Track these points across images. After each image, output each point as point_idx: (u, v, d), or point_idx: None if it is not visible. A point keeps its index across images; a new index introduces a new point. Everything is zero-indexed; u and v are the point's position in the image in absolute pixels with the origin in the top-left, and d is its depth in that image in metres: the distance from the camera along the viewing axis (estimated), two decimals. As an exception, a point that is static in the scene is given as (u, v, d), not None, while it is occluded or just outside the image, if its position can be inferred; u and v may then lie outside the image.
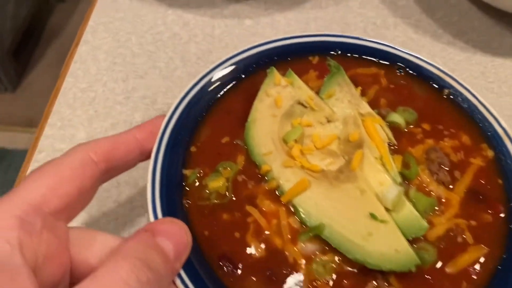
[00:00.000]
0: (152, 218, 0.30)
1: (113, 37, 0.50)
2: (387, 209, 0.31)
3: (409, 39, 0.52)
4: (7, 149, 1.61)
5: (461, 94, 0.38)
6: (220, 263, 0.30)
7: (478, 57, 0.51)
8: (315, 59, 0.40)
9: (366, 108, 0.36)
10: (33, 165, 0.41)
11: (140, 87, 0.47)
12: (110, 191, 0.40)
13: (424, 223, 0.31)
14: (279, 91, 0.35)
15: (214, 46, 0.50)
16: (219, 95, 0.37)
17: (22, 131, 1.65)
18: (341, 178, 0.32)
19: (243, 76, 0.38)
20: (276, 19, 0.53)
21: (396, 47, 0.40)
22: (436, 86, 0.38)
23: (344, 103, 0.36)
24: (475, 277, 0.30)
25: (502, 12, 0.53)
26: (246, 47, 0.39)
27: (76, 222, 0.37)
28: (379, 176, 0.32)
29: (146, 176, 0.32)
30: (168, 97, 0.46)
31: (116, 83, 0.47)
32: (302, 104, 0.35)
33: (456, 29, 0.53)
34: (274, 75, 0.36)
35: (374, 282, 0.29)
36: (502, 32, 0.53)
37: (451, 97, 0.38)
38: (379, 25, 0.53)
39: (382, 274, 0.30)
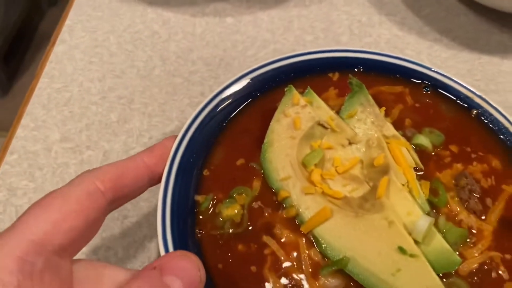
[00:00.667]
0: (162, 251, 0.28)
1: (90, 36, 0.49)
2: (416, 242, 0.29)
3: (394, 37, 0.50)
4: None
5: (490, 114, 0.35)
6: (236, 299, 0.28)
7: (464, 54, 0.49)
8: (335, 76, 0.37)
9: (390, 130, 0.33)
10: (3, 167, 0.39)
11: (117, 86, 0.45)
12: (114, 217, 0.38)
13: (457, 258, 0.28)
14: (298, 111, 0.33)
15: (194, 45, 0.48)
16: (233, 114, 0.35)
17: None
18: (366, 206, 0.30)
19: (258, 93, 0.36)
20: (258, 17, 0.51)
21: (422, 64, 0.37)
22: (464, 106, 0.36)
23: (367, 124, 0.34)
24: (513, 318, 0.28)
25: (489, 9, 0.51)
26: (262, 63, 0.36)
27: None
28: (407, 205, 0.30)
29: (151, 199, 0.30)
30: (145, 97, 0.44)
31: (92, 82, 0.45)
32: (322, 125, 0.33)
33: (442, 26, 0.51)
34: (293, 94, 0.34)
35: (403, 323, 0.27)
36: (489, 29, 0.51)
37: (480, 117, 0.36)
38: (364, 23, 0.51)
39: (411, 313, 0.27)
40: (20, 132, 0.42)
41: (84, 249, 0.35)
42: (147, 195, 0.38)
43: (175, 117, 0.43)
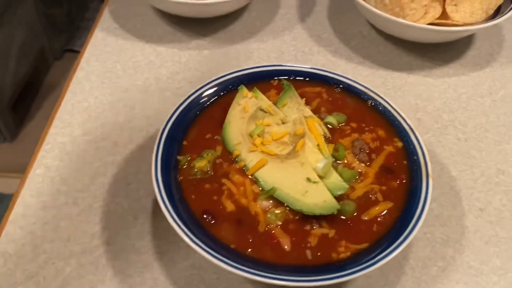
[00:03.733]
0: (156, 189, 0.43)
1: (102, 65, 0.65)
2: (320, 177, 0.44)
3: (328, 61, 0.67)
4: (4, 194, 1.72)
5: (380, 103, 0.52)
6: (204, 215, 0.43)
7: (381, 72, 0.66)
8: (275, 82, 0.54)
9: (308, 112, 0.50)
10: (41, 153, 0.54)
11: (123, 99, 0.61)
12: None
13: (345, 184, 0.44)
14: (247, 101, 0.50)
15: (180, 69, 0.65)
16: (204, 106, 0.51)
17: (18, 177, 1.77)
18: (289, 157, 0.45)
19: (221, 93, 0.52)
20: (228, 50, 0.69)
21: (335, 73, 0.54)
22: (363, 99, 0.53)
23: (294, 110, 0.50)
24: (383, 221, 0.42)
25: (399, 40, 0.69)
26: (224, 73, 0.53)
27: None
28: (315, 156, 0.45)
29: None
30: (144, 105, 0.60)
31: (104, 96, 0.61)
32: (263, 110, 0.49)
33: (365, 53, 0.69)
34: (243, 90, 0.51)
35: (310, 225, 0.42)
36: (400, 54, 0.69)
37: (373, 105, 0.52)
38: (306, 52, 0.69)
39: (316, 219, 0.42)
40: (52, 130, 0.57)
41: (99, 203, 0.50)
42: (147, 169, 0.53)
43: (166, 118, 0.59)
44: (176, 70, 0.65)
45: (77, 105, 0.60)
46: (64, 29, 2.14)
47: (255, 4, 0.77)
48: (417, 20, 0.66)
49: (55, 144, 0.56)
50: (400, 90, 0.64)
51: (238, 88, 0.51)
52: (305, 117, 0.49)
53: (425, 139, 0.58)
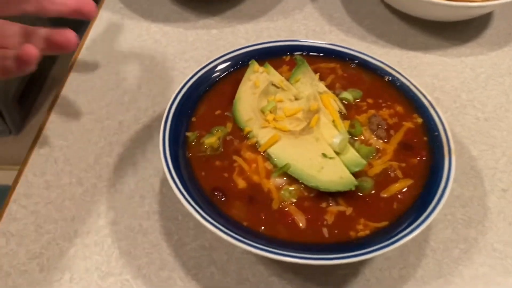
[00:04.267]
0: (164, 166, 0.41)
1: (108, 44, 0.63)
2: (336, 153, 0.42)
3: (341, 41, 0.65)
4: (10, 186, 1.72)
5: (398, 79, 0.49)
6: (215, 192, 0.40)
7: (395, 51, 0.64)
8: (287, 58, 0.52)
9: (323, 88, 0.47)
10: (44, 132, 0.53)
11: (129, 77, 0.59)
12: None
13: (363, 160, 0.41)
14: (258, 76, 0.47)
15: (187, 48, 0.63)
16: (214, 82, 0.49)
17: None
18: (303, 133, 0.43)
19: (232, 69, 0.50)
20: (236, 28, 0.66)
21: (351, 48, 0.52)
22: (380, 75, 0.50)
23: (307, 85, 0.48)
24: (403, 199, 0.40)
25: (414, 18, 0.67)
26: (236, 48, 0.51)
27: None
28: (331, 132, 0.43)
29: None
30: (150, 84, 0.58)
31: (110, 76, 0.59)
32: (275, 86, 0.47)
33: (379, 32, 0.67)
34: (254, 65, 0.48)
35: (327, 202, 0.40)
36: (415, 33, 0.67)
37: (391, 81, 0.50)
38: (317, 31, 0.66)
39: (332, 196, 0.40)
40: (56, 108, 0.55)
41: (104, 183, 0.48)
42: (153, 149, 0.51)
43: (173, 97, 0.57)
44: (183, 50, 0.63)
45: (82, 84, 0.58)
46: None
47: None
48: (434, -4, 0.64)
49: (59, 124, 0.54)
50: (416, 70, 0.62)
51: (249, 63, 0.49)
52: (319, 93, 0.47)
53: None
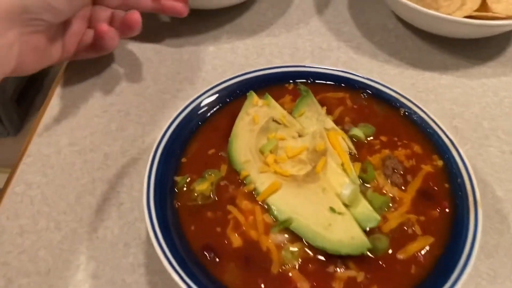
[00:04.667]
0: (147, 219, 0.36)
1: (94, 64, 0.58)
2: (345, 205, 0.36)
3: (350, 59, 0.59)
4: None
5: (415, 112, 0.44)
6: (204, 252, 0.35)
7: (410, 71, 0.58)
8: (290, 86, 0.46)
9: (330, 124, 0.42)
10: (21, 167, 0.48)
11: (116, 102, 0.54)
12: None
13: (377, 216, 0.36)
14: (257, 110, 0.42)
15: (181, 68, 0.58)
16: (208, 115, 0.44)
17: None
18: (307, 180, 0.38)
19: (228, 100, 0.45)
20: (235, 45, 0.61)
21: (361, 75, 0.46)
22: (394, 106, 0.45)
23: (312, 120, 0.42)
24: (422, 261, 0.35)
25: (431, 34, 0.60)
26: (232, 76, 0.46)
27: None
28: (340, 179, 0.38)
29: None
30: (139, 110, 0.53)
31: (95, 100, 0.54)
32: (277, 121, 0.42)
33: (391, 49, 0.61)
34: (253, 97, 0.43)
35: (335, 266, 0.34)
36: (431, 50, 0.61)
37: (407, 114, 0.44)
38: (324, 48, 0.60)
39: (341, 259, 0.35)
40: (35, 139, 0.50)
41: (85, 229, 0.43)
42: (141, 187, 0.46)
43: (164, 125, 0.51)
44: (176, 70, 0.58)
45: (65, 111, 0.53)
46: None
47: (264, 1, 0.69)
48: (453, 12, 0.58)
49: (38, 157, 0.49)
50: (433, 93, 0.56)
51: (247, 94, 0.44)
52: (326, 130, 0.41)
53: (463, 151, 0.50)
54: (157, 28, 0.63)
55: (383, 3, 0.66)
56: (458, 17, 0.55)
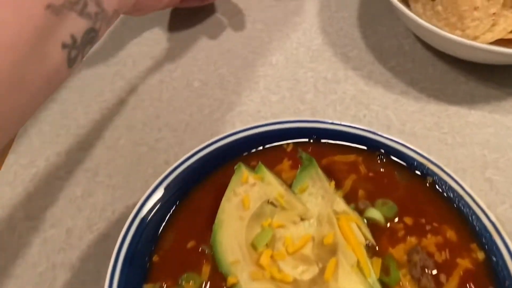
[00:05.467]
0: None
1: (58, 108, 0.49)
2: (363, 328, 0.28)
3: (360, 92, 0.50)
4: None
5: (445, 182, 0.35)
6: None
7: (431, 106, 0.49)
8: (289, 147, 0.38)
9: (341, 205, 0.33)
10: None
11: (82, 159, 0.45)
12: (78, 294, 0.37)
13: None
14: (247, 190, 0.33)
15: (161, 111, 0.49)
16: (186, 192, 0.35)
17: None
18: (313, 290, 0.29)
19: (212, 169, 0.36)
20: (225, 78, 0.51)
21: (375, 132, 0.37)
22: (418, 174, 0.36)
23: (318, 199, 0.34)
24: None
25: (456, 58, 0.51)
26: (216, 138, 0.37)
27: None
28: (355, 287, 0.29)
29: None
30: (110, 168, 0.44)
31: (59, 156, 0.45)
32: (272, 203, 0.33)
33: (409, 77, 0.51)
34: (242, 172, 0.34)
35: None
36: (456, 78, 0.51)
37: (435, 185, 0.35)
38: (329, 79, 0.51)
39: None
40: (-16, 211, 0.42)
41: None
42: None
43: (139, 188, 0.43)
44: (155, 113, 0.49)
45: (20, 172, 0.45)
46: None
47: (259, 12, 0.59)
48: (482, 34, 0.48)
49: (-13, 234, 0.41)
50: (460, 135, 0.47)
51: (235, 167, 0.35)
52: (336, 213, 0.33)
53: (499, 212, 0.42)
54: (133, 59, 0.54)
55: (398, 19, 0.56)
56: (485, 44, 0.45)
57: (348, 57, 0.54)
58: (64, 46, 0.30)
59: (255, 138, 0.37)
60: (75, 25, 0.30)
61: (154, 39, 0.55)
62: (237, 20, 0.53)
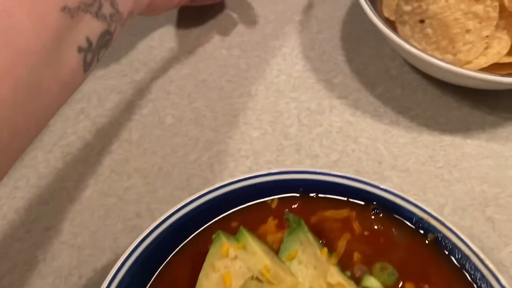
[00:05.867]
0: None
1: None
2: None
3: (346, 124, 0.46)
4: None
5: (449, 240, 0.31)
6: None
7: (424, 137, 0.45)
8: (274, 203, 0.34)
9: (335, 276, 0.29)
10: None
11: (44, 216, 0.40)
12: None
13: None
14: (228, 265, 0.29)
15: (131, 154, 0.44)
16: (158, 263, 0.31)
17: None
18: None
19: (187, 236, 0.32)
20: (201, 113, 0.47)
21: (369, 182, 0.33)
22: (419, 230, 0.32)
23: (309, 268, 0.30)
24: None
25: (447, 82, 0.48)
26: (192, 198, 0.32)
27: None
28: None
29: None
30: (75, 225, 0.40)
31: (17, 213, 0.41)
32: (258, 278, 0.29)
33: (398, 104, 0.48)
34: (222, 242, 0.30)
35: None
36: (449, 104, 0.48)
37: (437, 243, 0.32)
38: (313, 110, 0.47)
39: None
40: None
41: None
42: None
43: (107, 247, 0.39)
44: (124, 157, 0.44)
45: (-29, 234, 0.40)
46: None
47: (234, 37, 0.54)
48: (475, 58, 0.45)
49: None
50: (456, 169, 0.44)
51: (213, 236, 0.31)
52: (330, 285, 0.29)
53: (503, 256, 0.38)
54: (97, 94, 0.49)
55: (383, 39, 0.52)
56: (476, 72, 0.41)
57: (333, 84, 0.50)
58: (80, 49, 0.29)
59: (235, 195, 0.33)
60: (91, 27, 0.29)
61: (120, 71, 0.51)
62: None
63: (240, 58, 0.52)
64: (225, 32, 0.55)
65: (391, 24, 0.47)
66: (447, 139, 0.45)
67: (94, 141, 0.45)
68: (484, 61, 0.44)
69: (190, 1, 0.50)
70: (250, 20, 0.55)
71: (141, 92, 0.49)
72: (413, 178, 0.43)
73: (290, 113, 0.47)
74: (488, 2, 0.43)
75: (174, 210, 0.32)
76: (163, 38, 0.54)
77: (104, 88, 0.49)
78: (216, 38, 0.54)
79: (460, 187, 0.42)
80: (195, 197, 0.32)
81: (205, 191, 0.33)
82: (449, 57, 0.45)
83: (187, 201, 0.32)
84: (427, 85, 0.49)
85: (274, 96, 0.49)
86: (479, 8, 0.43)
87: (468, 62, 0.45)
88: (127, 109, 0.48)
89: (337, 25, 0.55)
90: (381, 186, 0.33)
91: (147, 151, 0.45)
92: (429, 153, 0.45)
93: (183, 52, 0.53)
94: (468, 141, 0.45)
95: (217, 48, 0.53)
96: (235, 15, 0.56)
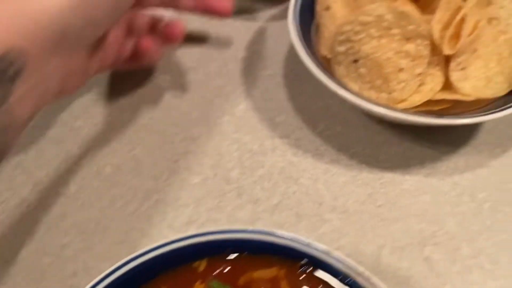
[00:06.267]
0: None
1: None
2: None
3: (289, 164, 0.46)
4: None
5: (376, 297, 0.31)
6: None
7: (364, 175, 0.45)
8: (201, 266, 0.33)
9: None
10: None
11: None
12: None
13: None
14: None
15: (67, 208, 0.43)
16: None
17: None
18: None
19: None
20: (140, 160, 0.47)
21: (297, 239, 0.33)
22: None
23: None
24: None
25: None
26: (112, 269, 0.32)
27: None
28: None
29: None
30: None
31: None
32: None
33: (339, 142, 0.48)
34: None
35: None
36: (389, 139, 0.48)
37: (366, 302, 0.32)
38: (255, 151, 0.47)
39: None
40: None
41: None
42: None
43: (40, 312, 0.38)
44: (61, 211, 0.43)
45: None
46: None
47: (177, 76, 0.54)
48: (410, 96, 0.45)
49: None
50: (396, 207, 0.44)
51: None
52: None
53: (441, 297, 0.39)
54: (36, 148, 0.48)
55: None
56: (410, 115, 0.43)
57: (275, 123, 0.50)
58: None
59: (158, 261, 0.32)
60: None
61: (60, 121, 0.50)
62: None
63: (182, 100, 0.52)
64: (167, 71, 0.54)
65: (328, 63, 0.47)
66: (387, 176, 0.46)
67: (30, 197, 0.44)
68: (418, 99, 0.45)
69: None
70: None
71: (79, 141, 0.48)
72: (353, 219, 0.43)
73: (231, 156, 0.47)
74: (419, 41, 0.44)
75: (95, 282, 0.31)
76: (103, 83, 0.53)
77: (43, 138, 0.48)
78: (159, 79, 0.54)
79: (399, 226, 0.43)
80: (116, 266, 0.31)
81: (128, 259, 0.32)
82: (384, 95, 0.45)
83: (110, 271, 0.32)
84: (367, 121, 0.50)
85: (216, 138, 0.49)
86: (410, 47, 0.44)
87: (403, 100, 0.45)
88: (65, 160, 0.47)
89: (280, 61, 0.55)
90: (310, 242, 0.33)
91: (84, 204, 0.44)
92: (368, 191, 0.45)
93: (124, 95, 0.52)
94: (407, 177, 0.46)
95: (159, 89, 0.53)
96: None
